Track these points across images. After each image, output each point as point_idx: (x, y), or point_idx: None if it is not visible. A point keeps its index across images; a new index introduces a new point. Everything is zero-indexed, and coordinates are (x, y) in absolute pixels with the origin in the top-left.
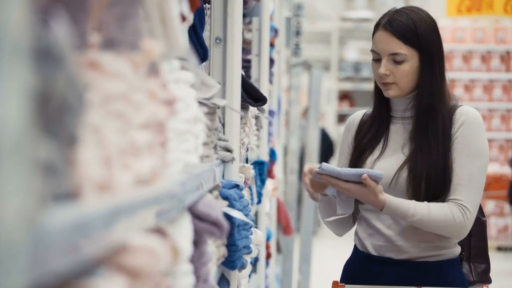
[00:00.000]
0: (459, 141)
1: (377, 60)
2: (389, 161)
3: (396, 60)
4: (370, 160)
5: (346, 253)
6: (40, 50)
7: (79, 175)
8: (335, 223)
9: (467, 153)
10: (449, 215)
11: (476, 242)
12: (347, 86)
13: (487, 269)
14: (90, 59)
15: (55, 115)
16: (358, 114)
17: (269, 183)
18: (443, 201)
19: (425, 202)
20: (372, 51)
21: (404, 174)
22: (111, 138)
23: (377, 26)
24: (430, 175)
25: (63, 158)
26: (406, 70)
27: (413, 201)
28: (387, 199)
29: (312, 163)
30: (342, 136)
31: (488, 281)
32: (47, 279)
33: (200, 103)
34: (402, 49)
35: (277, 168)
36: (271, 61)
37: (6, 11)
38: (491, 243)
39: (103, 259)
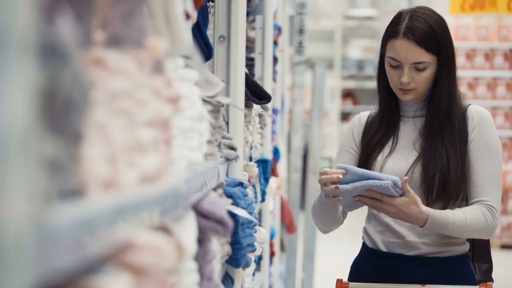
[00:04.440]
0: (476, 142)
1: (395, 66)
2: (401, 156)
3: (419, 68)
4: (380, 157)
5: (349, 251)
6: (46, 47)
7: (84, 173)
8: (325, 219)
9: (486, 154)
10: (482, 218)
11: (479, 242)
12: (351, 84)
13: (490, 269)
14: (95, 56)
15: (61, 112)
16: (364, 114)
17: (272, 181)
18: (456, 199)
19: (457, 209)
20: (392, 58)
21: (419, 169)
22: (116, 135)
23: (395, 33)
24: (447, 174)
25: (68, 155)
26: (426, 76)
27: (448, 210)
28: (429, 209)
29: (331, 170)
30: (345, 134)
31: (491, 280)
32: (52, 276)
33: (204, 101)
34: (426, 57)
35: (281, 166)
36: (275, 59)
37: (13, 8)
38: (495, 241)
39: (108, 256)
